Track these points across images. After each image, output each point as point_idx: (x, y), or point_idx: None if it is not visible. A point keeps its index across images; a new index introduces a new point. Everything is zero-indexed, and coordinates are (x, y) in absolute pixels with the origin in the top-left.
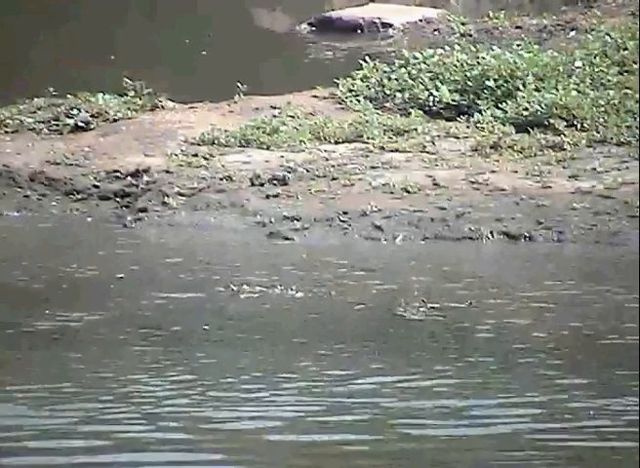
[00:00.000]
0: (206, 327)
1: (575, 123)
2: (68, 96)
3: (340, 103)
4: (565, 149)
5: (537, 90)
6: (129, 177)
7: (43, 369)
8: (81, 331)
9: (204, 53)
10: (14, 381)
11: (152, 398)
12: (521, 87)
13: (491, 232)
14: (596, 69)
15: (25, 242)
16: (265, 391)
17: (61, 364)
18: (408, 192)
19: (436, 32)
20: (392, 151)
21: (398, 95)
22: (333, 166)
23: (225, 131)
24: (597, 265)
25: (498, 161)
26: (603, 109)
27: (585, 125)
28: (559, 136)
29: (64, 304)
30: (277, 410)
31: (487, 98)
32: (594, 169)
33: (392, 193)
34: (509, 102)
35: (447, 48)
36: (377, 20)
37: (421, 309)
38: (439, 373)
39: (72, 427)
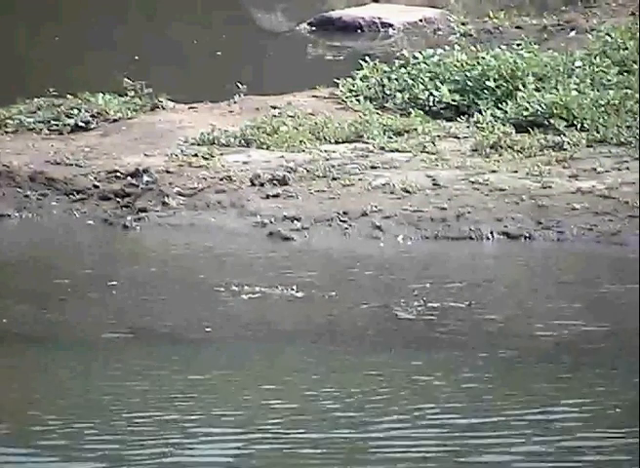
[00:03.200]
0: (208, 329)
1: (575, 123)
2: (68, 96)
3: (341, 103)
4: (565, 149)
5: (537, 90)
6: (129, 177)
7: (35, 374)
8: (81, 332)
9: (219, 53)
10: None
11: (160, 402)
12: (521, 87)
13: (491, 232)
14: (596, 69)
15: (25, 242)
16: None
17: (58, 368)
18: (408, 192)
19: (436, 32)
20: (392, 151)
21: (398, 95)
22: (333, 166)
23: (225, 131)
24: (597, 265)
25: (498, 161)
26: (603, 109)
27: (585, 125)
28: (559, 135)
29: (63, 305)
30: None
31: (487, 98)
32: (594, 169)
33: (392, 193)
34: (509, 102)
35: (447, 48)
36: (377, 20)
37: (420, 309)
38: (434, 373)
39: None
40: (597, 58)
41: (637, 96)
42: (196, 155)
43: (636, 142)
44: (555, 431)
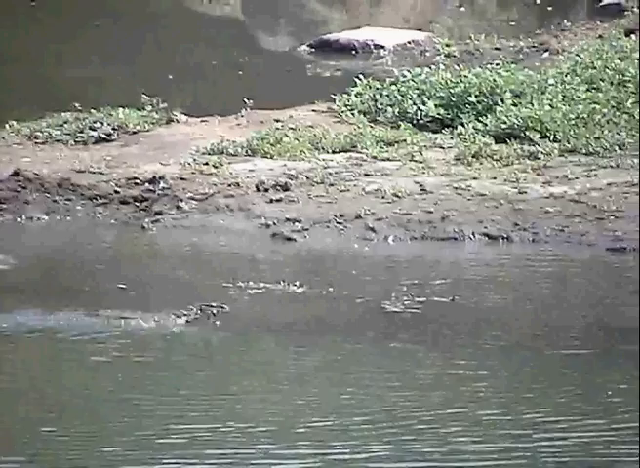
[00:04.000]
0: (217, 321)
1: (548, 135)
2: (92, 110)
3: (337, 117)
4: (539, 158)
5: (514, 105)
6: (146, 184)
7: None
8: (101, 319)
9: (243, 73)
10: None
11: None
12: (500, 102)
13: (472, 233)
14: (567, 86)
15: (53, 241)
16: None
17: (85, 369)
18: (398, 197)
19: (423, 53)
20: (384, 160)
21: (389, 109)
22: (330, 173)
23: (233, 141)
24: (568, 263)
25: (479, 169)
26: (573, 122)
27: (557, 136)
28: (534, 146)
29: (85, 297)
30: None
31: (469, 113)
32: (565, 176)
33: (384, 198)
34: (489, 116)
35: (433, 67)
36: (370, 42)
37: (408, 303)
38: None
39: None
40: (568, 76)
41: (604, 110)
42: (207, 163)
43: (604, 152)
44: (528, 420)
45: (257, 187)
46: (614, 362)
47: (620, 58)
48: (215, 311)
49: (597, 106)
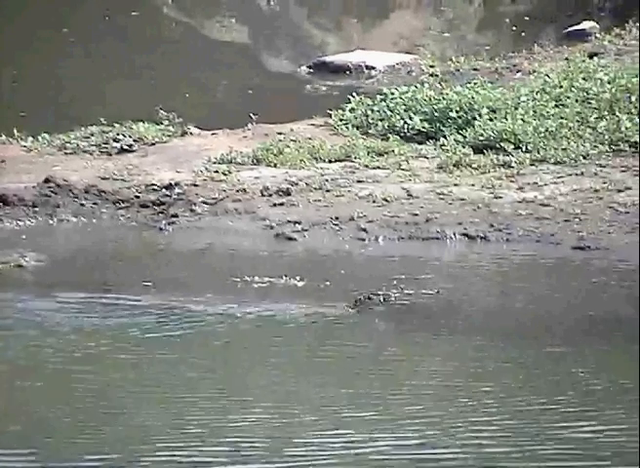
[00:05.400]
0: (225, 310)
1: (520, 146)
2: (115, 124)
3: (333, 130)
4: (512, 167)
5: (490, 119)
6: (163, 190)
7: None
8: (121, 311)
9: (250, 91)
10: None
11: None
12: (477, 117)
13: (453, 233)
14: (537, 103)
15: (81, 241)
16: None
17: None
18: (387, 201)
19: (410, 73)
20: (374, 168)
21: (379, 123)
22: (327, 180)
23: (241, 152)
24: (538, 260)
25: (459, 176)
26: (543, 135)
27: (529, 147)
28: (508, 156)
29: (109, 290)
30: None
31: (450, 126)
32: (536, 183)
33: (374, 202)
34: (468, 129)
35: (418, 85)
36: (362, 64)
37: (397, 295)
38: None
39: None
40: (538, 94)
41: (570, 125)
42: (217, 172)
43: (570, 161)
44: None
45: (261, 193)
46: (580, 349)
47: (584, 78)
48: (381, 299)
49: (564, 121)
